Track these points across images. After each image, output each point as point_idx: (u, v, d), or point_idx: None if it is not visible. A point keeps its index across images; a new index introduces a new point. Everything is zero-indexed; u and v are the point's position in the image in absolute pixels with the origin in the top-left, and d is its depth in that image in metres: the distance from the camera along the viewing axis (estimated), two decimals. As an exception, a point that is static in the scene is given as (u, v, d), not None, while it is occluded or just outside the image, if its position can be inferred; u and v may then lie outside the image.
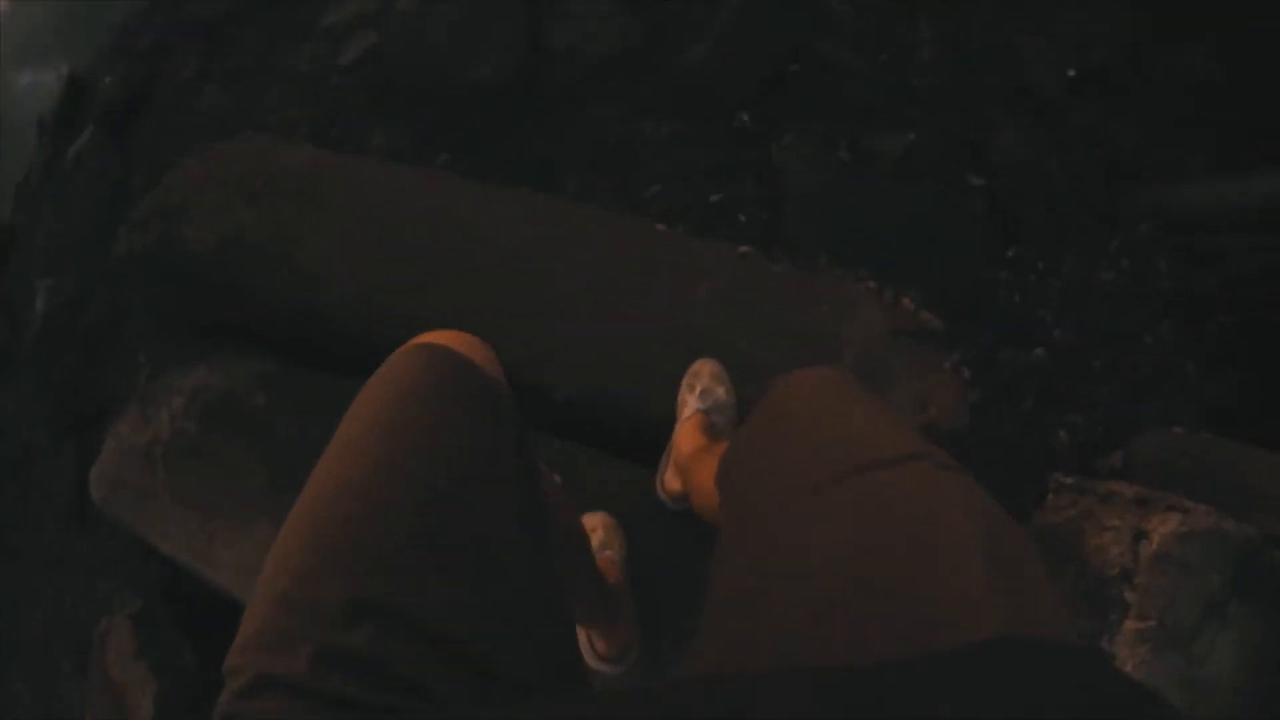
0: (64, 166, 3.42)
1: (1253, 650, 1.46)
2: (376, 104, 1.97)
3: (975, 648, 0.39)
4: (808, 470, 0.55)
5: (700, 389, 1.37)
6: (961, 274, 1.68)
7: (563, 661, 0.55)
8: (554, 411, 1.44)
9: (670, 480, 1.33)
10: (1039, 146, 1.87)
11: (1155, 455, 1.87)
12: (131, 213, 2.22)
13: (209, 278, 1.95)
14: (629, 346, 1.42)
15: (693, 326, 1.41)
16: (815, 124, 1.72)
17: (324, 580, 0.44)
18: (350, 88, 2.05)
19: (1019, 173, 1.83)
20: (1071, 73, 2.03)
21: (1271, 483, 1.69)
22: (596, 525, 1.31)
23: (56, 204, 3.43)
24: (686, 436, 1.32)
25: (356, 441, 0.53)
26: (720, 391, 1.37)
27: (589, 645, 1.21)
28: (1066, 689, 0.35)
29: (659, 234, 1.50)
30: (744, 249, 1.43)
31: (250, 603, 0.46)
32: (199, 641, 1.82)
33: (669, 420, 1.39)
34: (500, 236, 1.55)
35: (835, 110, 1.76)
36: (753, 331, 1.41)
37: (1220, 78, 2.41)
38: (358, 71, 2.07)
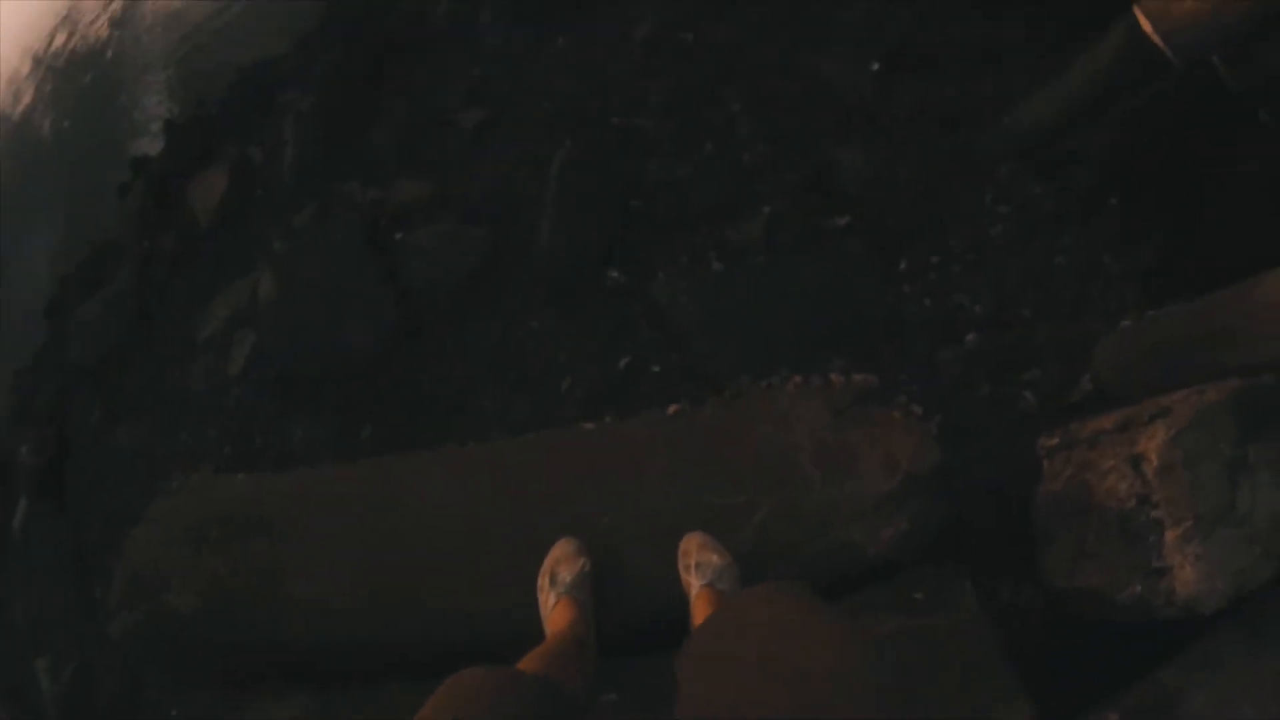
0: (14, 543, 3.40)
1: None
2: (282, 402, 1.99)
3: None
4: (747, 682, 0.73)
5: (695, 564, 1.39)
6: (868, 313, 1.72)
7: None
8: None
9: None
10: (880, 154, 1.93)
11: (1117, 358, 1.90)
12: (107, 590, 2.22)
13: (209, 636, 1.95)
14: (613, 554, 1.44)
15: (659, 508, 1.43)
16: (678, 247, 1.76)
17: None
18: (251, 394, 2.07)
19: (874, 190, 1.89)
20: (875, 66, 2.11)
21: (1226, 319, 1.71)
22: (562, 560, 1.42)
23: (23, 582, 3.39)
24: (700, 615, 1.33)
25: None
26: (714, 559, 1.39)
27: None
28: None
29: (589, 434, 1.52)
30: (672, 409, 1.46)
31: None
32: None
33: (684, 600, 1.41)
34: (452, 499, 1.57)
35: (690, 223, 1.81)
36: (713, 485, 1.43)
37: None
38: (251, 375, 2.09)
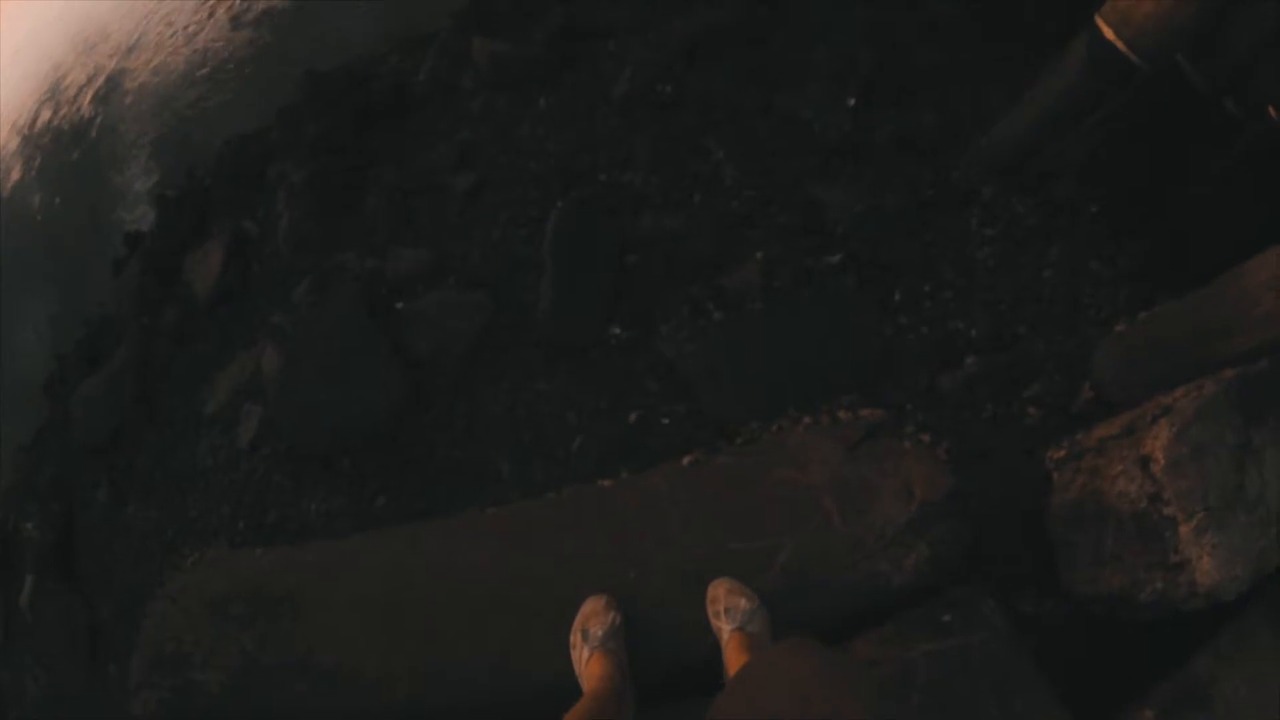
0: (22, 618, 3.36)
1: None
2: (294, 475, 2.00)
3: None
4: None
5: (724, 610, 1.41)
6: (868, 348, 1.75)
7: None
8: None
9: None
10: (865, 189, 1.98)
11: (1115, 363, 1.91)
12: (123, 667, 2.20)
13: (237, 712, 1.94)
14: (642, 606, 1.46)
15: (683, 557, 1.45)
16: (677, 299, 1.80)
17: None
18: (262, 469, 2.08)
19: (863, 225, 1.94)
20: (851, 101, 2.17)
21: (1216, 310, 1.71)
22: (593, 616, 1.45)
23: (37, 656, 3.35)
24: (733, 659, 1.35)
25: None
26: (742, 603, 1.41)
27: None
28: None
29: (607, 491, 1.55)
30: (687, 459, 1.48)
31: None
32: None
33: (716, 646, 1.43)
34: (475, 563, 1.58)
35: (687, 274, 1.85)
36: (735, 530, 1.46)
37: (959, 10, 2.59)
38: (261, 450, 2.10)
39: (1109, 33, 2.00)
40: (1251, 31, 2.01)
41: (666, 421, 1.77)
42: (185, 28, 5.38)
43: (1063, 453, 1.77)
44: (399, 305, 2.09)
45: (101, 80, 5.78)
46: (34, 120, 6.24)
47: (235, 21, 5.04)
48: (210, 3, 5.37)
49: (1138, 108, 2.21)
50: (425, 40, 3.22)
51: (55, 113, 6.03)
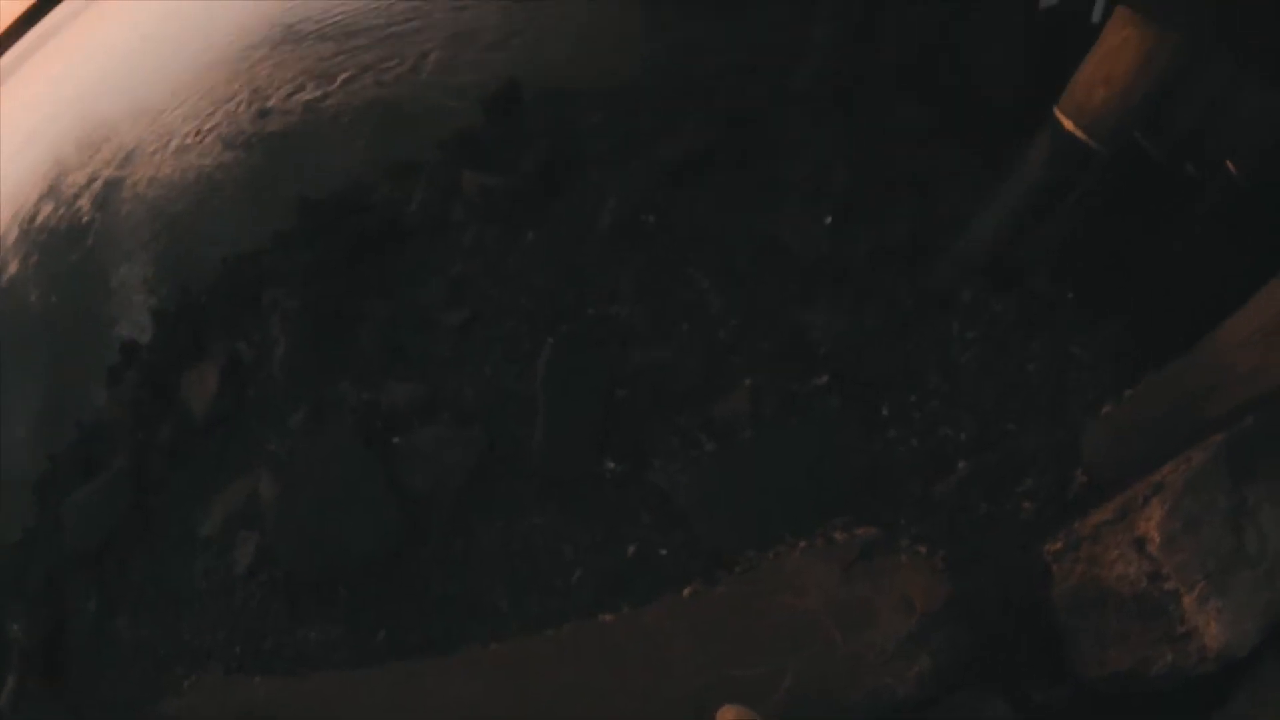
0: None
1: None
2: (292, 604, 1.99)
3: None
4: None
5: None
6: (856, 466, 1.79)
7: None
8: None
9: None
10: (846, 308, 2.05)
11: (1104, 445, 1.94)
12: None
13: None
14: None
15: (688, 688, 1.46)
16: (668, 431, 1.87)
17: None
18: (259, 596, 2.06)
19: (846, 344, 2.02)
20: (828, 220, 2.27)
21: (1197, 376, 1.76)
22: None
23: None
24: None
25: None
26: None
27: None
28: None
29: (608, 625, 1.57)
30: (687, 590, 1.51)
31: None
32: None
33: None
34: (475, 696, 1.58)
35: (676, 405, 1.93)
36: (738, 658, 1.48)
37: (927, 120, 2.75)
38: (258, 576, 2.08)
39: (1068, 123, 2.11)
40: (1200, 97, 2.14)
41: (664, 553, 1.78)
42: (180, 144, 5.53)
43: (1060, 544, 1.79)
44: (395, 440, 2.12)
45: (100, 185, 5.88)
46: (35, 215, 6.32)
47: (226, 143, 5.17)
48: (201, 122, 5.54)
49: (1101, 191, 2.31)
50: (413, 168, 3.33)
51: (55, 210, 6.11)
